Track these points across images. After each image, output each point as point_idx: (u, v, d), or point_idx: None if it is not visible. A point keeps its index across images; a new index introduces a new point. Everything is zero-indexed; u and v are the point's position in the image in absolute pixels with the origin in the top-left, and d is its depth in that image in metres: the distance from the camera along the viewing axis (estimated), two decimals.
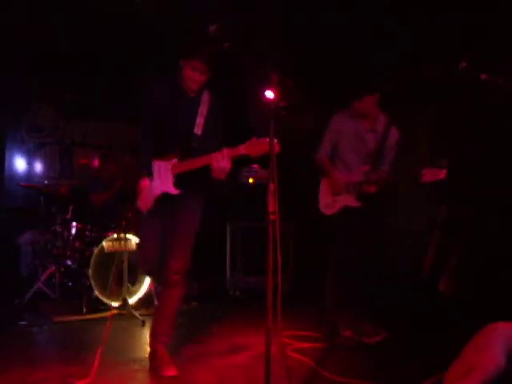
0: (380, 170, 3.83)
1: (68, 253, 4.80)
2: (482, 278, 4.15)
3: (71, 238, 4.85)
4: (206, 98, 3.26)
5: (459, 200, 4.61)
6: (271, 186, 2.35)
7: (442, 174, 3.52)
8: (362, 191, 3.82)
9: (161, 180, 3.15)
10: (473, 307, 3.90)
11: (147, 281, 4.72)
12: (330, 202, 3.96)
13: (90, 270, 4.50)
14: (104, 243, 4.62)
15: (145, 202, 3.14)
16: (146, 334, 3.59)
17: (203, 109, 3.23)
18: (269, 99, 2.39)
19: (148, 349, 3.22)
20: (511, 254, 3.93)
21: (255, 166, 5.57)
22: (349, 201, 3.87)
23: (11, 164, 6.21)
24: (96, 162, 5.44)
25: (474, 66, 2.70)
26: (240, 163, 5.68)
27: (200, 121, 3.21)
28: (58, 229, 4.89)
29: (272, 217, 2.33)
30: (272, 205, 2.33)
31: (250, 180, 5.57)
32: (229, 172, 2.98)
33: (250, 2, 4.75)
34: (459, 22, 4.52)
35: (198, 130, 3.20)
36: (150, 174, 3.15)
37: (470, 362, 1.96)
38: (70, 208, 5.01)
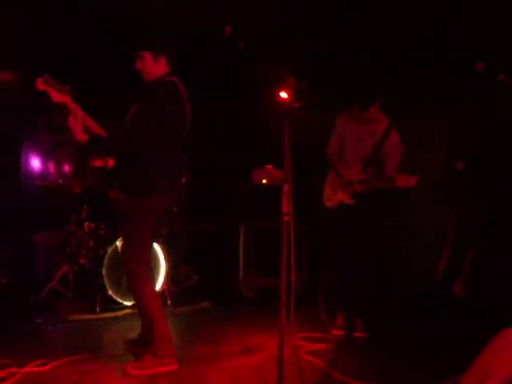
0: (370, 172, 3.97)
1: (82, 252, 4.82)
2: (495, 282, 4.11)
3: (85, 237, 4.88)
4: None
5: (473, 203, 4.57)
6: (285, 187, 2.34)
7: (413, 181, 3.64)
8: (353, 190, 3.96)
9: None
10: (487, 311, 3.86)
11: (160, 280, 4.74)
12: (330, 195, 4.13)
13: (103, 269, 4.53)
14: (118, 242, 4.64)
15: None
16: None
17: None
18: (283, 100, 2.39)
19: None
20: None
21: (269, 166, 5.56)
22: (344, 197, 4.01)
23: (27, 163, 6.26)
24: (111, 162, 5.45)
25: (491, 67, 2.67)
26: (254, 164, 5.68)
27: None
28: (73, 228, 4.93)
29: (286, 218, 2.32)
30: (286, 206, 2.33)
31: (264, 181, 5.56)
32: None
33: (265, 3, 4.74)
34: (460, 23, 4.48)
35: None
36: None
37: (487, 367, 1.94)
38: (85, 207, 5.04)
